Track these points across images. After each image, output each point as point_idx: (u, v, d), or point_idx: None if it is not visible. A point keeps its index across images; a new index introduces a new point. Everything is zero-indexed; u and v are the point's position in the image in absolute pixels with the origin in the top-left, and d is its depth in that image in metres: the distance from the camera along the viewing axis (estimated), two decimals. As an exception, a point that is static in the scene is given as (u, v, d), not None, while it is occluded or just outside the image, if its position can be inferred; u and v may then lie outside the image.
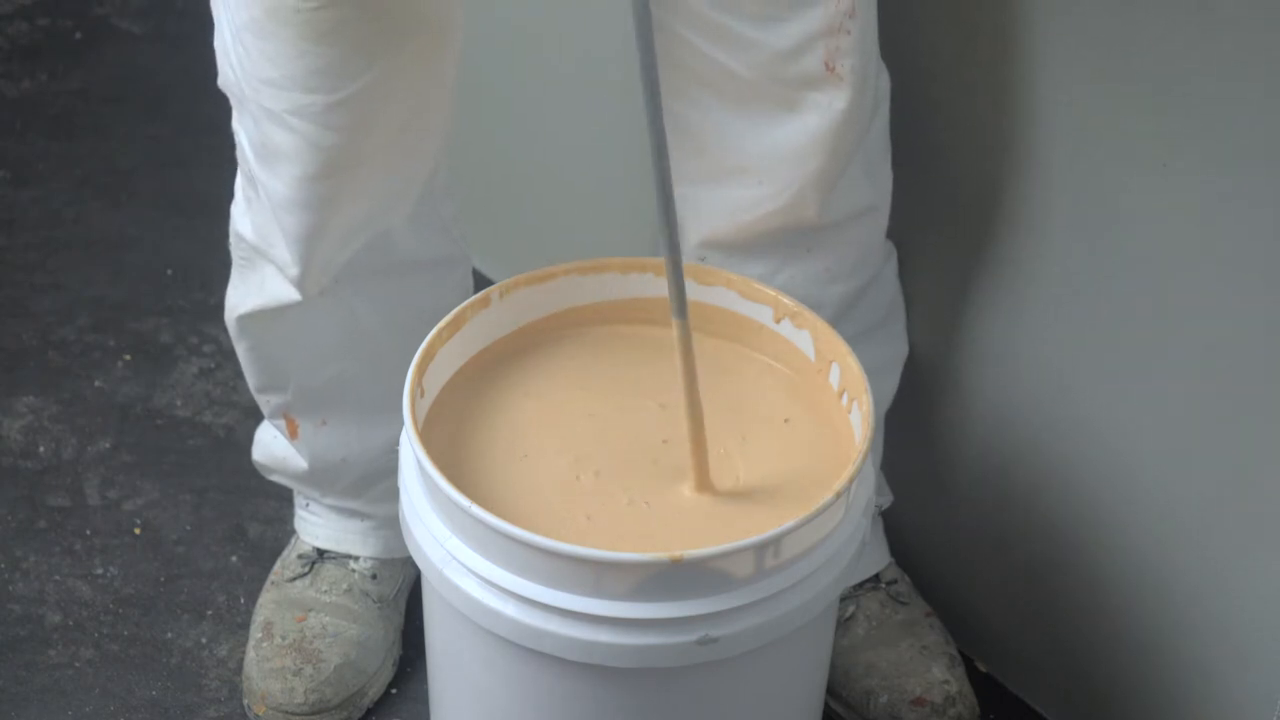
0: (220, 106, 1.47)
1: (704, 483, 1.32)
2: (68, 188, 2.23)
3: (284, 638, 1.64)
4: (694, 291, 1.42)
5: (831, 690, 1.62)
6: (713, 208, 1.46)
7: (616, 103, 1.77)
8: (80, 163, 2.26)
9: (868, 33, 1.37)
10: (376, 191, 1.44)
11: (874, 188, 1.47)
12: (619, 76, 1.62)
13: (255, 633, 1.67)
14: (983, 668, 1.69)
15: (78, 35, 2.47)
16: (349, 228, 1.45)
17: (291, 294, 1.48)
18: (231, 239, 1.53)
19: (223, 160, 1.50)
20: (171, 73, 2.39)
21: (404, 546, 1.35)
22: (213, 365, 1.99)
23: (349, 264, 1.49)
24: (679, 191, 1.48)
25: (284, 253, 1.45)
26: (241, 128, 1.43)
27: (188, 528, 1.83)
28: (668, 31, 1.39)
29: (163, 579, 1.78)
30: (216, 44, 1.41)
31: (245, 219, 1.49)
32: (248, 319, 1.53)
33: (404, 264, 1.53)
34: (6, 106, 2.34)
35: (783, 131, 1.39)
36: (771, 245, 1.47)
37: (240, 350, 1.57)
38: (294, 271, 1.46)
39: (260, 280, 1.51)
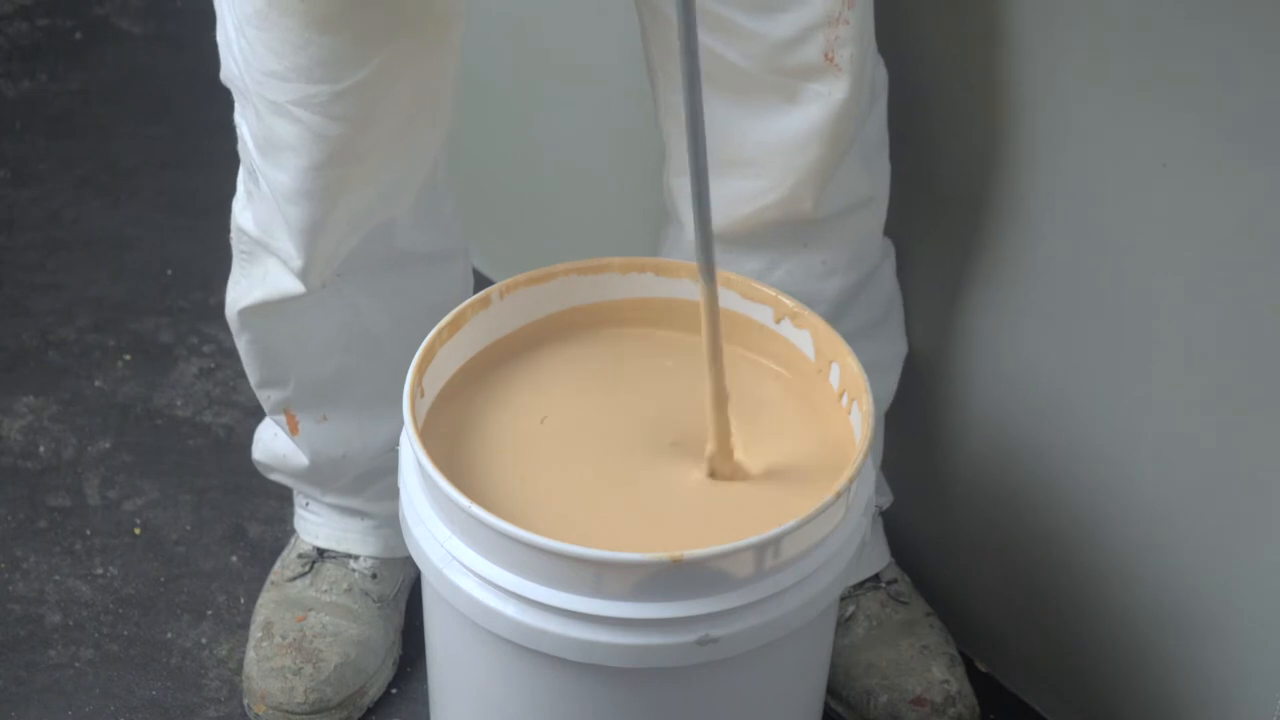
0: (221, 106, 1.47)
1: (724, 454, 1.32)
2: (68, 188, 2.23)
3: (284, 637, 1.64)
4: (693, 291, 1.42)
5: (831, 690, 1.62)
6: (710, 201, 1.46)
7: (617, 102, 1.77)
8: (80, 163, 2.26)
9: (865, 23, 1.37)
10: (380, 181, 1.44)
11: (871, 179, 1.47)
12: (620, 75, 1.62)
13: (255, 632, 1.67)
14: (983, 668, 1.69)
15: (78, 35, 2.47)
16: (352, 218, 1.45)
17: (295, 286, 1.48)
18: (233, 233, 1.53)
19: (223, 160, 1.50)
20: (171, 73, 2.39)
21: (404, 546, 1.35)
22: (213, 365, 1.99)
23: (350, 257, 1.49)
24: (679, 183, 1.48)
25: (287, 245, 1.45)
26: (244, 120, 1.43)
27: (188, 528, 1.83)
28: (666, 22, 1.39)
29: (163, 579, 1.78)
30: (219, 38, 1.41)
31: (247, 212, 1.50)
32: (250, 312, 1.53)
33: (404, 257, 1.53)
34: (6, 106, 2.34)
35: (782, 123, 1.40)
36: (769, 238, 1.47)
37: (241, 345, 1.57)
38: (298, 263, 1.46)
39: (263, 273, 1.51)
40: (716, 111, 1.41)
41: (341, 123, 1.37)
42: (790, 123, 1.39)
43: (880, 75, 1.45)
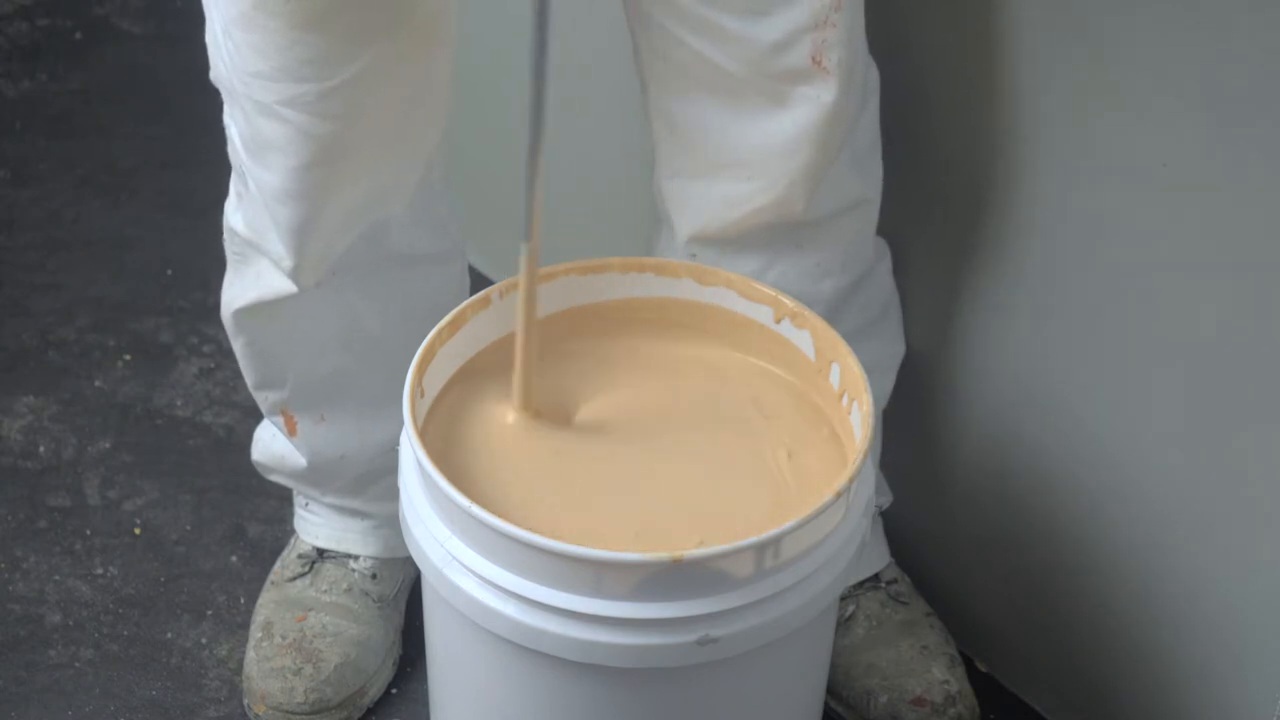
0: (220, 106, 1.47)
1: (526, 403, 1.35)
2: (68, 188, 2.23)
3: (284, 637, 1.64)
4: (693, 291, 1.42)
5: (831, 690, 1.62)
6: (702, 203, 1.46)
7: (616, 103, 1.77)
8: (80, 163, 2.26)
9: (854, 26, 1.37)
10: (371, 181, 1.44)
11: (863, 181, 1.47)
12: (618, 76, 1.62)
13: (255, 632, 1.67)
14: (983, 668, 1.69)
15: (78, 35, 2.47)
16: (343, 218, 1.45)
17: (287, 286, 1.48)
18: (225, 235, 1.53)
19: (223, 160, 1.50)
20: (171, 73, 2.39)
21: (404, 546, 1.35)
22: (213, 365, 1.99)
23: (345, 256, 1.49)
24: (670, 185, 1.48)
25: (277, 245, 1.45)
26: (232, 121, 1.43)
27: (188, 528, 1.83)
28: (655, 26, 1.39)
29: (163, 579, 1.78)
30: (208, 39, 1.41)
31: (237, 214, 1.50)
32: (244, 313, 1.53)
33: (400, 258, 1.53)
34: (6, 106, 2.34)
35: (771, 126, 1.40)
36: (761, 241, 1.47)
37: (237, 346, 1.57)
38: (288, 264, 1.46)
39: (256, 274, 1.51)
40: (707, 114, 1.41)
41: (329, 121, 1.36)
42: (780, 126, 1.39)
43: (872, 78, 1.45)
